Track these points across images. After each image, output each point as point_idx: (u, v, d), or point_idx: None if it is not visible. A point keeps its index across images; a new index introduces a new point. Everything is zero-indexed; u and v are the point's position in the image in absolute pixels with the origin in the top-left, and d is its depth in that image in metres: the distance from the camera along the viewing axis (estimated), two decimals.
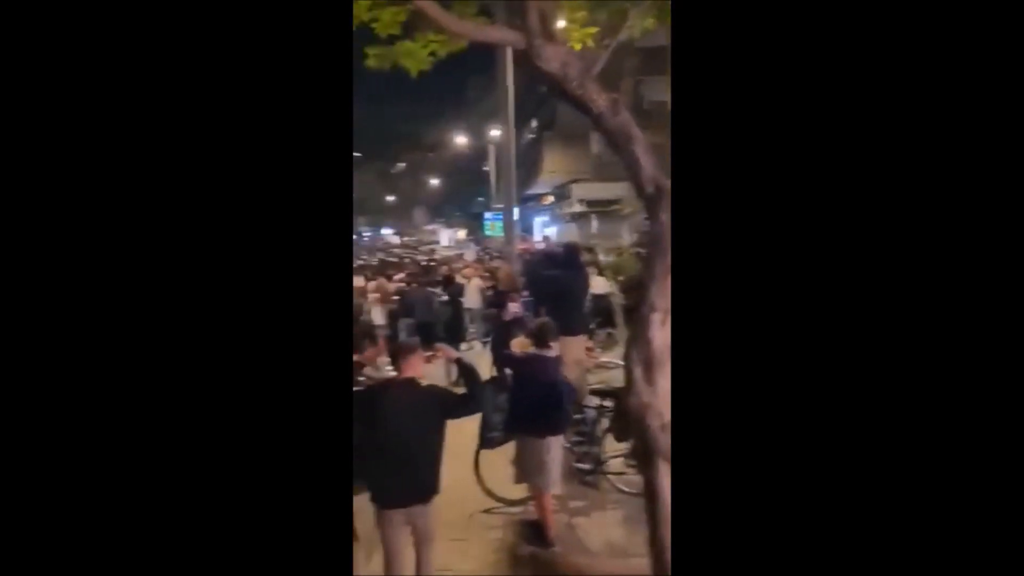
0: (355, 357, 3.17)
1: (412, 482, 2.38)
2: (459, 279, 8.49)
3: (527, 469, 3.17)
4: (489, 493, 3.59)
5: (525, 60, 2.26)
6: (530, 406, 3.10)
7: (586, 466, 3.83)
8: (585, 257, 4.67)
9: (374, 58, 3.22)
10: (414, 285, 8.00)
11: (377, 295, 7.52)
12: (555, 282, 4.33)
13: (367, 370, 3.79)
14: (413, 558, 2.47)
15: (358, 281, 9.07)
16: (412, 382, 2.46)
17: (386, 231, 49.86)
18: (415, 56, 3.20)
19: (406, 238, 41.03)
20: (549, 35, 2.21)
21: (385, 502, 2.38)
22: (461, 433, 3.61)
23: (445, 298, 7.62)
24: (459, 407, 2.54)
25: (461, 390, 2.64)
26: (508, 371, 3.39)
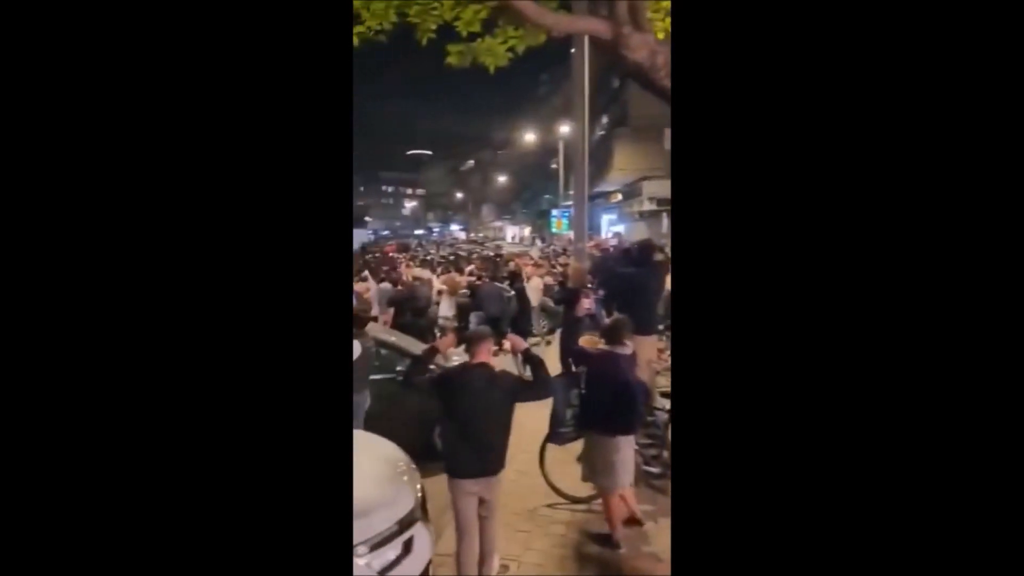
0: (428, 345, 3.30)
1: (482, 456, 2.60)
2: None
3: (595, 468, 3.12)
4: (555, 489, 3.58)
5: (611, 50, 2.22)
6: (602, 404, 3.05)
7: (655, 470, 3.73)
8: (659, 256, 4.51)
9: (455, 55, 3.29)
10: (485, 279, 8.11)
11: (445, 288, 7.70)
12: (629, 280, 4.23)
13: (438, 358, 3.90)
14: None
15: (425, 274, 9.37)
16: (485, 366, 2.66)
17: (454, 227, 51.03)
18: (494, 52, 3.24)
19: (473, 234, 41.82)
20: (638, 24, 2.15)
21: (458, 472, 2.61)
22: (528, 428, 3.63)
23: (511, 293, 7.68)
24: (527, 391, 2.73)
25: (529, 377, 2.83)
26: (579, 367, 3.35)
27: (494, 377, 2.64)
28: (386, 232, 48.39)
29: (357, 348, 3.76)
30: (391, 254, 17.48)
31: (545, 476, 3.60)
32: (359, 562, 2.21)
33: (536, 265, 10.72)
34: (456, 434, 2.61)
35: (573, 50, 6.38)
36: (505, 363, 4.55)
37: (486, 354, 2.70)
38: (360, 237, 33.91)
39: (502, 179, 44.61)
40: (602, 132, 23.53)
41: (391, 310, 6.79)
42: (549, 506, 3.53)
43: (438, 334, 6.38)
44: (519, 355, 3.03)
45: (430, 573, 2.56)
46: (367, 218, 53.61)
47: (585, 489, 3.45)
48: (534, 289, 8.14)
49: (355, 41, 3.03)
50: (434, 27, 3.12)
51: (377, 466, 2.77)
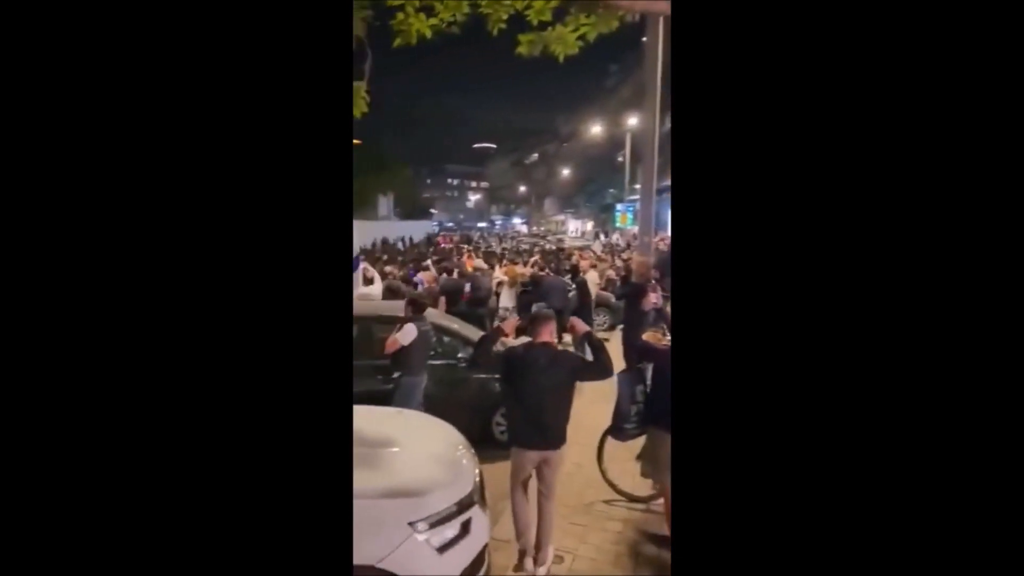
0: (494, 326, 3.38)
1: (544, 430, 2.72)
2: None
3: (656, 465, 3.03)
4: (612, 485, 3.53)
5: None
6: (667, 400, 2.96)
7: None
8: None
9: (526, 45, 3.28)
10: (548, 272, 8.11)
11: (506, 279, 7.76)
12: None
13: (498, 344, 3.95)
14: (535, 498, 2.81)
15: (485, 265, 9.51)
16: (548, 345, 2.78)
17: (516, 220, 51.32)
18: (565, 41, 3.20)
19: (535, 227, 41.85)
20: None
21: (522, 443, 2.76)
22: (585, 422, 3.59)
23: (573, 287, 7.62)
24: (586, 370, 2.80)
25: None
26: (643, 363, 3.26)
27: (557, 356, 2.74)
28: (450, 224, 49.51)
29: (413, 331, 3.88)
30: (443, 245, 17.87)
31: (602, 472, 3.55)
32: (419, 538, 2.28)
33: (599, 259, 10.55)
34: (520, 409, 2.73)
35: (645, 38, 6.18)
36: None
37: (549, 335, 2.78)
38: (425, 228, 34.98)
39: (566, 172, 44.20)
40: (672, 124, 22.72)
41: (443, 298, 7.17)
42: (606, 502, 3.48)
43: (498, 324, 6.51)
44: (584, 341, 3.05)
45: (486, 557, 2.59)
46: (432, 210, 55.07)
47: (643, 488, 3.37)
48: (590, 283, 8.04)
49: (428, 34, 3.10)
50: (505, 17, 3.12)
51: (437, 447, 2.84)
